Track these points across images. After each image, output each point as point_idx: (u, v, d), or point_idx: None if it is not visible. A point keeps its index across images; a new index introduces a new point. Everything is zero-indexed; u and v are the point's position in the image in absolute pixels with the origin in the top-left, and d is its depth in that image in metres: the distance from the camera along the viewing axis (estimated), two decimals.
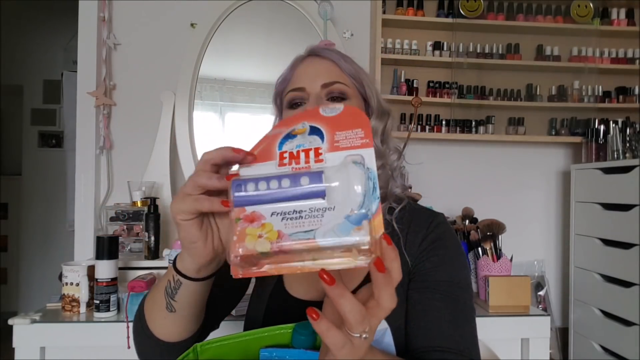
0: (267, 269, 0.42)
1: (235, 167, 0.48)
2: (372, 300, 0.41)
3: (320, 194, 0.41)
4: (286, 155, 0.45)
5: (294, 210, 0.41)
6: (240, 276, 0.42)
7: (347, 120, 0.45)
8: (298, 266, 0.41)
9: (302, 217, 0.41)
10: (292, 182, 0.42)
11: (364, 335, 0.41)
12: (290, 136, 0.46)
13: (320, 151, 0.44)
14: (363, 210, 0.40)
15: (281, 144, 0.46)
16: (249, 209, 0.42)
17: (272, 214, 0.41)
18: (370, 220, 0.40)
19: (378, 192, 0.41)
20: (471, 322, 0.68)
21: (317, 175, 0.42)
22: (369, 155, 0.43)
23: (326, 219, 0.40)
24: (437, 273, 0.69)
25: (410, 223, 0.74)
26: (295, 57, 0.80)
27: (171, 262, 0.59)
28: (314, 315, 0.40)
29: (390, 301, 0.41)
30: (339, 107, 0.47)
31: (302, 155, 0.44)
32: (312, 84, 0.73)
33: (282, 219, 0.41)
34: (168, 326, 0.62)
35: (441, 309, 0.66)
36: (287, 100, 0.76)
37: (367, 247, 0.39)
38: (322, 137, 0.45)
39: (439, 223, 0.74)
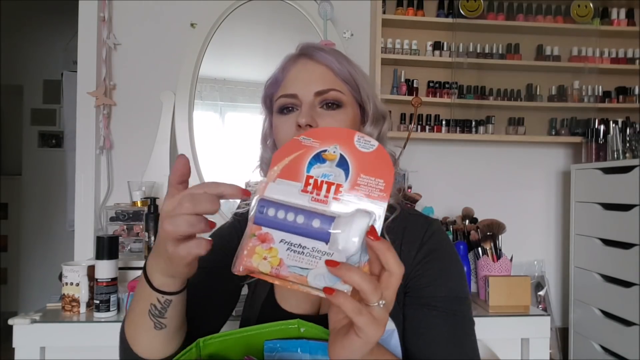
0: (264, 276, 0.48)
1: (260, 178, 0.50)
2: (383, 271, 0.45)
3: (325, 238, 0.46)
4: (311, 182, 0.48)
5: (299, 244, 0.46)
6: (241, 273, 0.47)
7: (374, 163, 0.48)
8: (289, 284, 0.47)
9: (303, 254, 0.46)
10: (305, 219, 0.46)
11: (381, 302, 0.44)
12: (320, 159, 0.49)
13: (341, 189, 0.48)
14: (354, 264, 0.45)
15: (310, 164, 0.49)
16: (264, 229, 0.47)
17: (281, 240, 0.46)
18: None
19: None
20: (471, 335, 0.67)
21: (328, 221, 0.46)
22: (380, 210, 0.47)
23: (322, 263, 0.45)
24: (434, 288, 0.67)
25: (403, 232, 0.71)
26: (286, 56, 0.74)
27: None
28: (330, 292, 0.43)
29: (398, 266, 0.44)
30: (374, 143, 0.49)
31: (325, 187, 0.48)
32: (305, 91, 0.69)
33: (287, 249, 0.46)
34: (157, 344, 0.62)
35: (440, 326, 0.65)
36: (278, 105, 0.71)
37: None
38: (347, 173, 0.48)
39: (433, 232, 0.71)
